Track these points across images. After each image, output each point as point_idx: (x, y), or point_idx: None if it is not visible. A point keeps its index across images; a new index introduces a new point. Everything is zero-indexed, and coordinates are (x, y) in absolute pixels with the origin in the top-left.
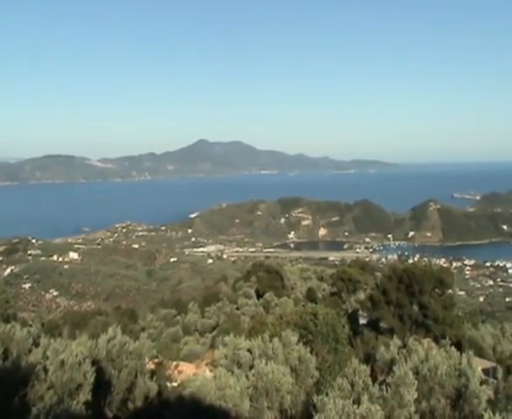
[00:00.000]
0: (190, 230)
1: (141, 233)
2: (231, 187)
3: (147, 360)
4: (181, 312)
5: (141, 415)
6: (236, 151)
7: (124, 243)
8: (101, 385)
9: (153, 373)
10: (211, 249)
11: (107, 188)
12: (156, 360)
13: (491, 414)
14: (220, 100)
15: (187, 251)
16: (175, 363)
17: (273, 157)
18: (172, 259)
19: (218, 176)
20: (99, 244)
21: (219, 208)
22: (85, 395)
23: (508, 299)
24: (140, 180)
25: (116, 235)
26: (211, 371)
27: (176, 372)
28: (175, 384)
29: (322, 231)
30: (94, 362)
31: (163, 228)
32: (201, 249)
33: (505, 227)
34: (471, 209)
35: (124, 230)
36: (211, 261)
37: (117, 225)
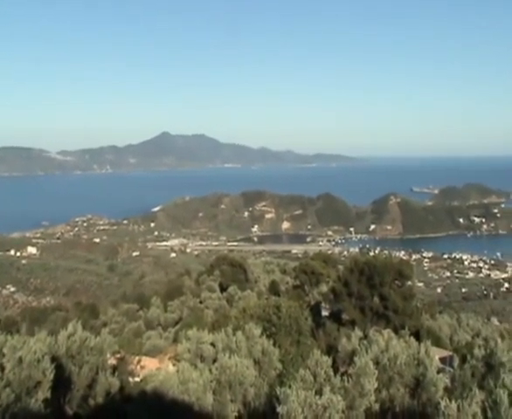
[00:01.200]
0: (152, 224)
1: (102, 227)
2: (194, 180)
3: (108, 355)
4: (143, 307)
5: (102, 411)
6: (199, 144)
7: (85, 237)
8: (61, 382)
9: (115, 368)
10: (174, 243)
11: (67, 181)
12: (118, 356)
13: (447, 401)
14: (183, 93)
15: (150, 245)
16: (137, 358)
17: (237, 151)
18: (134, 253)
19: (182, 170)
20: (58, 239)
21: (183, 201)
22: (44, 393)
23: (464, 290)
24: (101, 173)
25: (77, 229)
26: (173, 365)
27: (138, 367)
28: (137, 379)
29: (286, 225)
30: (54, 359)
31: (126, 222)
32: (164, 243)
33: (461, 220)
34: (429, 203)
35: (85, 224)
36: (174, 255)
37: (77, 219)
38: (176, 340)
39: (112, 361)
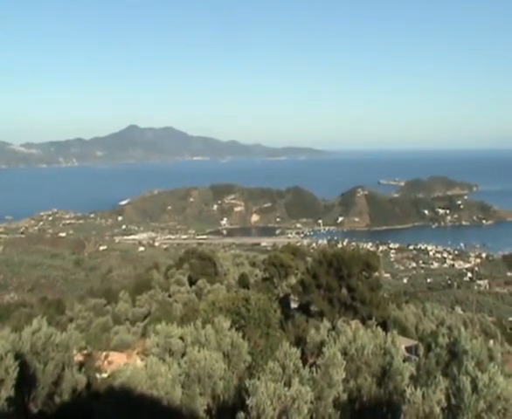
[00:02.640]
0: (120, 218)
1: (68, 221)
2: (163, 173)
3: (75, 351)
4: (111, 302)
5: (68, 408)
6: (168, 137)
7: (50, 231)
8: (25, 380)
9: (81, 365)
10: (142, 236)
11: (32, 174)
12: (85, 352)
13: (413, 389)
14: (151, 86)
15: (117, 239)
16: (104, 354)
17: (206, 143)
18: (102, 247)
19: (150, 163)
20: (22, 233)
21: (151, 194)
22: (7, 391)
23: (429, 280)
24: (67, 166)
25: (41, 223)
26: (142, 360)
27: (105, 363)
28: (105, 375)
29: (255, 217)
30: (18, 356)
31: (92, 215)
32: (132, 236)
33: (426, 211)
34: (396, 195)
35: (50, 218)
36: (142, 249)
37: (42, 213)
38: (144, 335)
39: (78, 358)
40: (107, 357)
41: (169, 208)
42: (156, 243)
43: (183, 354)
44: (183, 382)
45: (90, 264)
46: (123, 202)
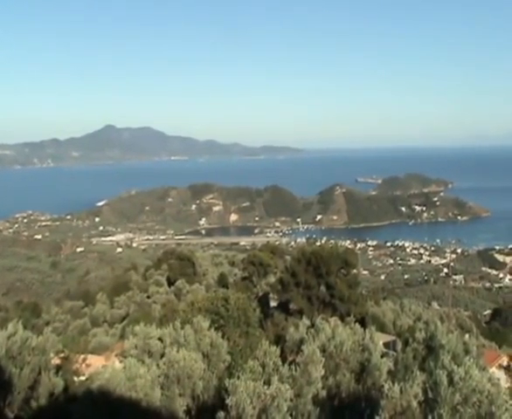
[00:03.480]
0: (97, 219)
1: (44, 223)
2: (140, 173)
3: (52, 355)
4: (89, 304)
5: (45, 413)
6: (145, 137)
7: (25, 233)
8: (1, 385)
9: (59, 368)
10: (120, 237)
11: (5, 175)
12: (62, 355)
13: (391, 384)
14: (128, 86)
15: (95, 241)
16: (82, 356)
17: (184, 143)
18: (79, 249)
19: (127, 163)
20: None
21: (128, 195)
22: None
23: (406, 276)
24: (42, 167)
25: (17, 225)
26: (120, 362)
27: (83, 365)
28: (82, 378)
29: (233, 217)
30: None
31: (69, 217)
32: (109, 238)
33: (403, 209)
34: (373, 193)
35: (25, 221)
36: (120, 250)
37: (17, 215)
38: (123, 337)
39: (55, 361)
40: (84, 360)
41: (147, 208)
42: (134, 244)
43: (162, 355)
44: (163, 383)
45: (67, 267)
46: (100, 203)
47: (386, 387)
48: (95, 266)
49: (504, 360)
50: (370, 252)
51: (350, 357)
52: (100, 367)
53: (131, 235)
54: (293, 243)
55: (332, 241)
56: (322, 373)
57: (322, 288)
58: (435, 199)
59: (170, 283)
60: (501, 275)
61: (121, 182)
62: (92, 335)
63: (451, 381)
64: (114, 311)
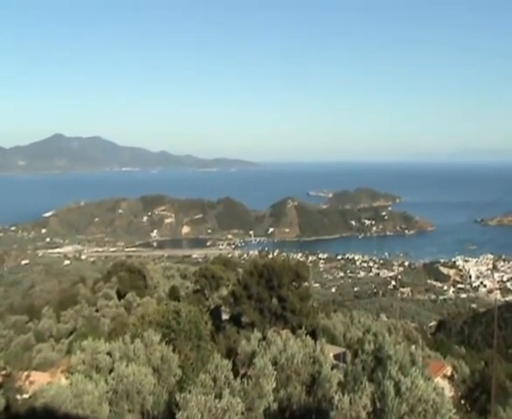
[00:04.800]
0: (44, 230)
1: None
2: (90, 184)
3: None
4: (33, 318)
5: None
6: (95, 147)
7: None
8: None
9: (0, 386)
10: (67, 249)
11: None
12: (4, 372)
13: (340, 395)
14: (78, 94)
15: (41, 253)
16: (26, 373)
17: (135, 154)
18: (24, 262)
19: (76, 173)
20: None
21: (77, 206)
22: None
23: (356, 289)
24: None
25: None
26: (67, 378)
27: (27, 383)
28: (26, 396)
29: (186, 229)
30: None
31: (13, 228)
32: (57, 250)
33: (353, 222)
34: (324, 206)
35: None
36: (67, 262)
37: None
38: (69, 352)
39: None
40: (28, 377)
41: (97, 220)
42: (83, 257)
43: (111, 370)
44: (111, 399)
45: (10, 280)
46: (47, 214)
47: (336, 398)
48: (41, 279)
49: (448, 370)
50: (322, 265)
51: (301, 369)
52: (45, 385)
53: (80, 247)
54: (245, 255)
55: (284, 254)
56: (274, 385)
57: (274, 301)
58: (384, 213)
59: (120, 296)
60: (445, 287)
61: (70, 193)
62: (36, 351)
63: (398, 392)
64: (60, 325)
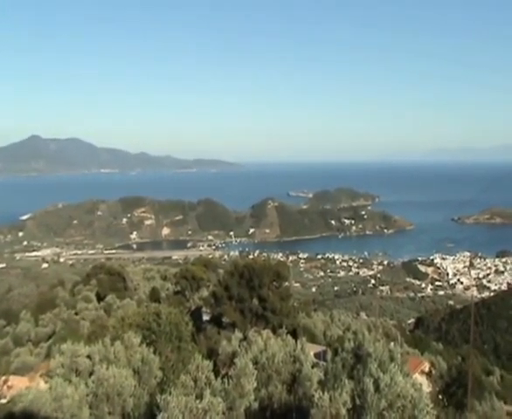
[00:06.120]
0: (21, 233)
1: None
2: (68, 186)
3: None
4: (11, 322)
5: None
6: (73, 148)
7: None
8: None
9: None
10: (46, 252)
11: None
12: None
13: (321, 393)
14: (55, 95)
15: (18, 256)
16: (3, 378)
17: (114, 155)
18: (0, 265)
19: (54, 175)
20: None
21: (55, 208)
22: None
23: (336, 288)
24: None
25: None
26: (46, 382)
27: (5, 387)
28: (3, 401)
29: (166, 231)
30: None
31: None
32: (34, 253)
33: (333, 222)
34: (304, 207)
35: None
36: (46, 265)
37: None
38: (48, 356)
39: None
40: (6, 382)
41: (75, 222)
42: (62, 259)
43: (91, 373)
44: (91, 402)
45: None
46: (24, 217)
47: (316, 396)
48: (18, 283)
49: (426, 366)
50: (302, 265)
51: (282, 368)
52: (24, 389)
53: (58, 249)
54: (226, 256)
55: (265, 254)
56: (255, 385)
57: (255, 301)
58: (363, 213)
59: (100, 298)
60: (423, 285)
61: (48, 195)
62: (14, 355)
63: (377, 388)
64: (39, 329)
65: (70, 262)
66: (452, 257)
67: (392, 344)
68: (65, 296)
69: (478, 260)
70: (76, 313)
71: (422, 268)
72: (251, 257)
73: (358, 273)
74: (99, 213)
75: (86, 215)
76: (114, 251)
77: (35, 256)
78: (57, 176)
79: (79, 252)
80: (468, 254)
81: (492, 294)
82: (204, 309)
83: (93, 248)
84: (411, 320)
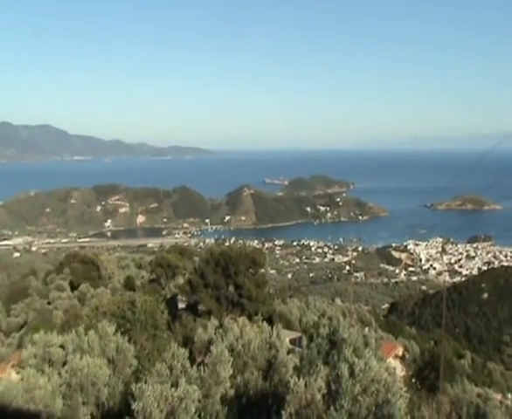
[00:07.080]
0: None
1: None
2: (40, 173)
3: None
4: None
5: None
6: (45, 135)
7: None
8: None
9: None
10: (17, 241)
11: None
12: None
13: (296, 379)
14: (26, 81)
15: None
16: None
17: (87, 142)
18: None
19: (25, 162)
20: None
21: (26, 196)
22: None
23: (311, 275)
24: None
25: None
26: (17, 373)
27: None
28: None
29: (141, 218)
30: None
31: None
32: (5, 242)
33: (309, 209)
34: (280, 194)
35: None
36: (17, 255)
37: None
38: (20, 346)
39: None
40: None
41: (48, 210)
42: (34, 248)
43: (64, 363)
44: (64, 393)
45: None
46: None
47: (292, 382)
48: None
49: (400, 351)
50: (278, 252)
51: (258, 355)
52: None
53: (30, 238)
54: (201, 244)
55: (240, 241)
56: (231, 372)
57: (231, 288)
58: (338, 200)
59: (73, 287)
60: (397, 271)
61: (19, 183)
62: None
63: (352, 373)
64: (10, 319)
65: (42, 251)
66: (425, 243)
67: (367, 329)
68: (38, 285)
69: (450, 246)
70: (49, 303)
71: (396, 254)
72: (226, 244)
73: (333, 260)
74: (72, 201)
75: (59, 203)
76: (87, 240)
77: (6, 245)
78: (28, 163)
79: (52, 241)
80: (441, 240)
81: (463, 279)
82: (179, 297)
83: (67, 236)
84: (386, 306)
